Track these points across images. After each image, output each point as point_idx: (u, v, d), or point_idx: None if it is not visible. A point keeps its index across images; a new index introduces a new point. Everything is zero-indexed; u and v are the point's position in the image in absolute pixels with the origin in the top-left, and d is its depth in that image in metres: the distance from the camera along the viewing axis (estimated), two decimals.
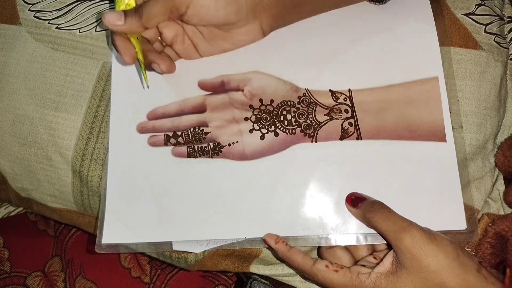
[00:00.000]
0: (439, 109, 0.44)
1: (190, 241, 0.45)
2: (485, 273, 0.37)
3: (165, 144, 0.47)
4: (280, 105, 0.46)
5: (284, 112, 0.46)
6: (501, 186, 0.49)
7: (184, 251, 0.48)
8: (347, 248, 0.43)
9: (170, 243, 0.45)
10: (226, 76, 0.47)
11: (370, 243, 0.43)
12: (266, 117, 0.46)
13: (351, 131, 0.45)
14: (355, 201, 0.42)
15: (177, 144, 0.47)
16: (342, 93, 0.46)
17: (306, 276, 0.42)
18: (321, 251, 0.44)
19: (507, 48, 0.50)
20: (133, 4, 0.41)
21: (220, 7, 0.40)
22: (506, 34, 0.51)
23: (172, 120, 0.47)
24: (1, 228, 1.02)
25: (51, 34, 0.52)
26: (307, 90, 0.46)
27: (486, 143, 0.48)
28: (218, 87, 0.47)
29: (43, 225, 1.02)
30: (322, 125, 0.45)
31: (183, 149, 0.47)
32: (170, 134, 0.47)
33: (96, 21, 0.52)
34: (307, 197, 0.44)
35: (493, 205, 0.48)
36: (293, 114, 0.46)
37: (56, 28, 0.52)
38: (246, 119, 0.46)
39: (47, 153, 0.50)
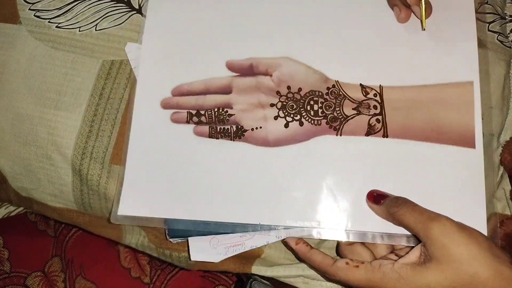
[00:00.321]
0: (471, 114, 0.43)
1: (209, 249, 0.45)
2: None
3: (187, 122, 0.46)
4: (308, 94, 0.45)
5: (311, 102, 0.45)
6: (506, 185, 0.48)
7: (185, 251, 0.48)
8: (366, 245, 0.42)
9: (183, 222, 0.44)
10: (256, 59, 0.47)
11: (386, 243, 0.42)
12: (293, 105, 0.45)
13: (378, 128, 0.44)
14: (377, 198, 0.41)
15: (199, 123, 0.46)
16: (372, 89, 0.45)
17: (327, 276, 0.41)
18: (340, 250, 0.43)
19: (510, 47, 0.49)
20: None
21: None
22: (509, 33, 0.51)
23: (196, 98, 0.47)
24: (1, 228, 1.01)
25: (51, 33, 0.52)
26: (337, 81, 0.45)
27: (490, 142, 0.47)
28: (246, 70, 0.47)
29: (43, 225, 1.02)
30: (349, 119, 0.45)
31: (205, 128, 0.46)
32: (193, 112, 0.46)
33: (96, 19, 0.52)
34: (325, 189, 0.43)
35: (498, 204, 0.47)
36: (320, 105, 0.45)
37: (56, 27, 0.52)
38: (272, 105, 0.46)
39: (47, 152, 0.49)
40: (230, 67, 0.47)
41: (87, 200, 0.51)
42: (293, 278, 0.48)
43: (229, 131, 0.46)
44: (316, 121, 0.45)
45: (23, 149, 0.50)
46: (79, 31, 0.52)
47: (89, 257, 0.99)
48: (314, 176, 0.44)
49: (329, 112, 0.45)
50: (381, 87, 0.45)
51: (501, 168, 0.48)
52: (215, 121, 0.46)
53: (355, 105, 0.45)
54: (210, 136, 0.46)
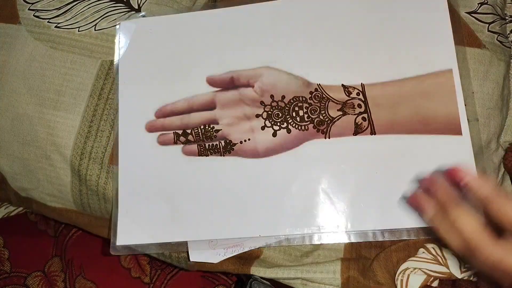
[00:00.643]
0: (454, 102, 0.44)
1: (208, 251, 0.45)
2: None
3: (175, 143, 0.46)
4: (291, 100, 0.45)
5: (296, 108, 0.45)
6: (508, 186, 0.48)
7: (184, 252, 0.47)
8: None
9: (185, 244, 0.44)
10: (236, 72, 0.47)
11: (388, 239, 0.42)
12: (278, 114, 0.45)
13: (365, 126, 0.44)
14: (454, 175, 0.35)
15: (187, 142, 0.46)
16: (354, 88, 0.45)
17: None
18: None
19: (510, 48, 0.50)
20: None
21: None
22: (509, 34, 0.51)
23: (181, 118, 0.46)
24: (1, 228, 1.01)
25: (50, 33, 0.51)
26: (319, 85, 0.46)
27: (489, 143, 0.47)
28: (227, 83, 0.47)
29: (43, 225, 1.02)
30: (335, 121, 0.45)
31: (194, 147, 0.46)
32: (180, 132, 0.46)
33: (95, 20, 0.52)
34: (321, 193, 0.44)
35: None
36: (305, 110, 0.45)
37: (56, 27, 0.52)
38: (257, 115, 0.45)
39: (46, 152, 0.49)
40: (211, 82, 0.47)
41: (86, 200, 0.50)
42: (292, 280, 0.48)
43: (218, 147, 0.45)
44: (303, 127, 0.45)
45: (23, 149, 0.50)
46: (78, 31, 0.51)
47: (89, 257, 0.99)
48: (308, 181, 0.44)
49: (315, 116, 0.45)
50: (362, 85, 0.45)
51: (501, 169, 0.48)
52: (203, 139, 0.46)
53: (339, 106, 0.45)
54: (200, 154, 0.45)
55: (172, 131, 0.46)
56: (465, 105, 0.44)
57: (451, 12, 0.46)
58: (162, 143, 0.46)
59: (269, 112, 0.45)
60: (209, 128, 0.46)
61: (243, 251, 0.45)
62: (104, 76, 0.50)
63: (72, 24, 0.52)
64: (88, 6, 0.52)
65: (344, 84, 0.45)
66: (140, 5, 0.52)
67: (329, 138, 0.45)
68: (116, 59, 0.49)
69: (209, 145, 0.45)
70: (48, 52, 0.51)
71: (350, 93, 0.45)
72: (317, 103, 0.45)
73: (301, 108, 0.45)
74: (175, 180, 0.45)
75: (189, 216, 0.44)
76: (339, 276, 0.44)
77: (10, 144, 0.50)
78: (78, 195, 0.50)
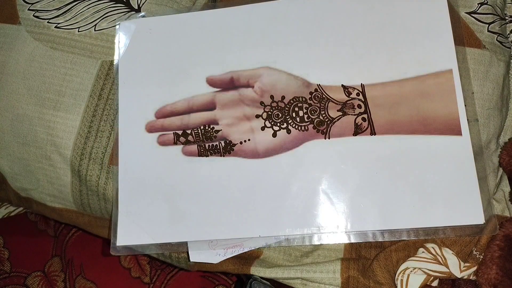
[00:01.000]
0: (454, 103, 0.44)
1: (208, 251, 0.45)
2: None
3: (175, 143, 0.46)
4: (291, 101, 0.45)
5: (296, 109, 0.45)
6: (506, 186, 0.48)
7: (184, 252, 0.47)
8: None
9: (185, 245, 0.44)
10: (236, 72, 0.47)
11: (387, 239, 0.42)
12: (278, 114, 0.45)
13: (365, 126, 0.44)
14: None
15: (187, 142, 0.46)
16: (354, 88, 0.45)
17: None
18: None
19: (510, 48, 0.50)
20: None
21: None
22: (508, 34, 0.51)
23: (181, 118, 0.46)
24: (1, 228, 1.01)
25: (50, 33, 0.51)
26: (318, 85, 0.46)
27: (489, 143, 0.47)
28: (227, 84, 0.47)
29: (43, 225, 1.02)
30: (335, 121, 0.45)
31: (194, 147, 0.46)
32: (180, 132, 0.46)
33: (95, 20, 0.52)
34: (321, 194, 0.44)
35: (497, 206, 0.47)
36: (305, 111, 0.45)
37: (55, 27, 0.52)
38: (257, 116, 0.45)
39: (46, 152, 0.49)
40: (211, 83, 0.47)
41: (86, 201, 0.50)
42: (292, 280, 0.48)
43: (218, 147, 0.45)
44: (303, 127, 0.45)
45: (23, 150, 0.50)
46: (78, 31, 0.51)
47: (89, 257, 0.99)
48: (307, 182, 0.44)
49: (314, 117, 0.45)
50: (362, 85, 0.45)
51: (500, 170, 0.48)
52: (203, 139, 0.46)
53: (339, 107, 0.45)
54: (200, 154, 0.45)
55: (172, 132, 0.46)
56: (465, 105, 0.44)
57: (451, 12, 0.46)
58: (162, 143, 0.46)
59: (269, 113, 0.45)
60: (209, 129, 0.46)
61: (243, 251, 0.46)
62: (104, 76, 0.50)
63: (72, 24, 0.52)
64: (88, 6, 0.52)
65: (344, 84, 0.45)
66: (140, 5, 0.52)
67: (329, 138, 0.45)
68: (116, 59, 0.49)
69: (209, 145, 0.45)
70: (48, 53, 0.51)
71: (350, 93, 0.45)
72: (317, 103, 0.45)
73: (301, 108, 0.45)
74: (175, 181, 0.45)
75: (189, 217, 0.44)
76: (339, 276, 0.44)
77: (10, 144, 0.50)
78: (78, 196, 0.50)
